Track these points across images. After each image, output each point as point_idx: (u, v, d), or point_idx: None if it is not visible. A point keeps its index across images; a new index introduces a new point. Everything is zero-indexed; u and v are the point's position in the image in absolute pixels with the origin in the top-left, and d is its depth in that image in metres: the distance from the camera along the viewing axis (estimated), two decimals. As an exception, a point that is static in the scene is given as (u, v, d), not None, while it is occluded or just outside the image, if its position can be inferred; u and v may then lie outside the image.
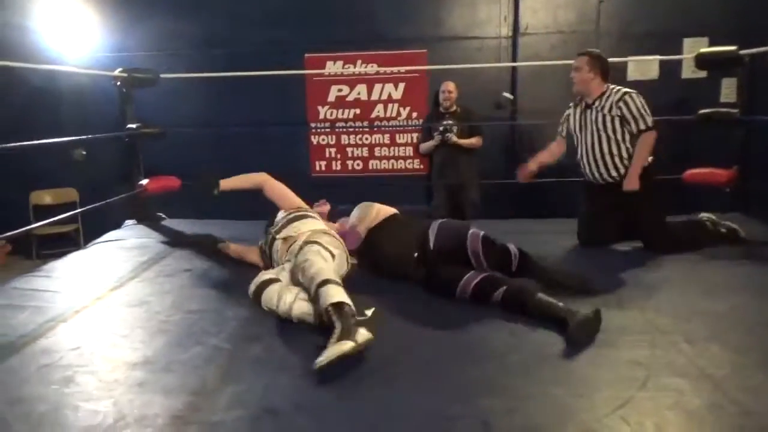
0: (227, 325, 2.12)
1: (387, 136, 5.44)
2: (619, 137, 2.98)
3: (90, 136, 4.45)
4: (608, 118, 2.98)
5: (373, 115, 5.40)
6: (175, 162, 4.52)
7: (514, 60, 5.14)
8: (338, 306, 1.88)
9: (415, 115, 5.33)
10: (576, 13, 5.06)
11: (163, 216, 4.03)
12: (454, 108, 4.75)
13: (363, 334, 1.78)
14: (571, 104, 3.24)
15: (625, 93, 2.95)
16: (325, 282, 1.98)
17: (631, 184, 2.93)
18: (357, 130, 5.44)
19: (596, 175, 3.08)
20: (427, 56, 5.19)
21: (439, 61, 5.02)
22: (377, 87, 5.35)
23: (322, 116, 5.45)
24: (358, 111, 5.41)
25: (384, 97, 5.37)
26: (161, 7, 5.24)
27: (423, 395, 1.61)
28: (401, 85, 5.32)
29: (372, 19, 5.19)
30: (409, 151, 5.42)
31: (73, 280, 2.70)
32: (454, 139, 4.62)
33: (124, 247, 3.32)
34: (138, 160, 3.99)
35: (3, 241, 5.24)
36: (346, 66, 5.32)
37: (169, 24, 5.21)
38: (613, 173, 3.02)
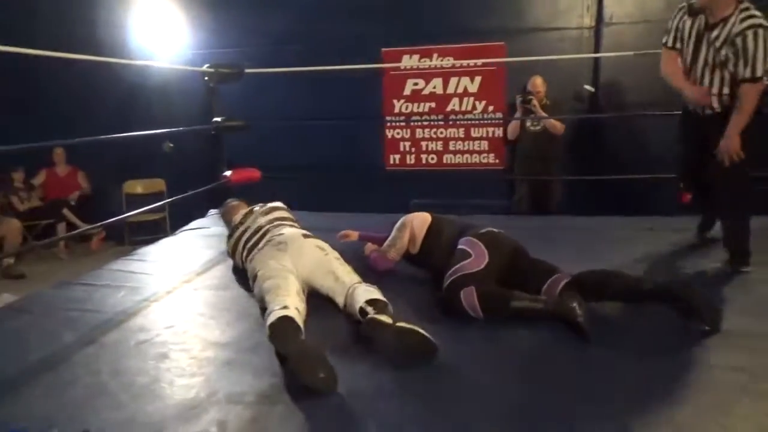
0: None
1: (462, 130, 5.38)
2: (727, 74, 2.52)
3: (180, 128, 4.69)
4: (718, 54, 2.48)
5: (448, 109, 5.35)
6: (255, 155, 4.68)
7: (596, 52, 4.94)
8: (271, 332, 1.74)
9: (491, 108, 5.24)
10: (664, 1, 4.79)
11: (245, 206, 4.18)
12: (544, 102, 4.60)
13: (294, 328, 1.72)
14: (683, 7, 2.65)
15: (749, 27, 2.35)
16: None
17: (731, 144, 2.48)
18: (432, 123, 5.42)
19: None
20: (505, 49, 5.09)
21: (518, 54, 4.89)
22: (453, 80, 5.30)
23: (397, 110, 5.46)
24: (433, 105, 5.38)
25: (460, 90, 5.30)
26: (243, 6, 5.41)
27: (506, 392, 1.58)
28: (477, 79, 5.24)
29: (450, 11, 5.13)
30: (484, 145, 5.34)
31: (163, 264, 2.87)
32: (536, 105, 4.47)
33: (208, 234, 3.48)
34: (222, 152, 4.15)
35: (99, 227, 5.61)
36: (422, 59, 5.30)
37: (250, 21, 5.38)
38: (716, 105, 2.59)
